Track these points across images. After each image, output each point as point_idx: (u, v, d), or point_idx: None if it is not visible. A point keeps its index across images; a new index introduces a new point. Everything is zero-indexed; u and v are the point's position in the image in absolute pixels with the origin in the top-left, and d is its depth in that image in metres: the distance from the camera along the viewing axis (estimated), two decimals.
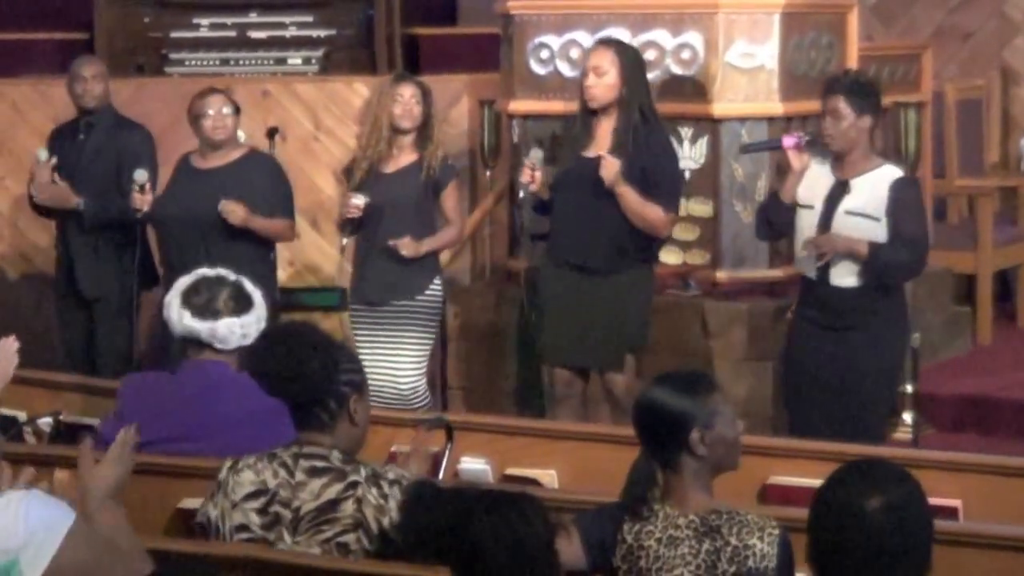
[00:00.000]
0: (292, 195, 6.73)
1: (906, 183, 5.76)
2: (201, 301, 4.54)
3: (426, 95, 6.39)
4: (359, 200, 6.27)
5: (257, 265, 6.42)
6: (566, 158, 6.20)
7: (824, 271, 5.69)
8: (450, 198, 6.42)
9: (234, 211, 6.38)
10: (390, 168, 6.39)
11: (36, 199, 6.95)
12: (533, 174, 6.10)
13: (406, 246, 6.30)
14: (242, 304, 4.57)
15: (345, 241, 6.43)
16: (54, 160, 6.85)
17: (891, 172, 5.74)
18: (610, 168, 5.99)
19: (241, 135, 6.70)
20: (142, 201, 6.54)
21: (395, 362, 6.37)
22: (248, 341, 4.55)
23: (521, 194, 6.15)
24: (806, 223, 5.75)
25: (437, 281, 6.45)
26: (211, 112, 6.49)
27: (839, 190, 5.70)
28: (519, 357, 7.07)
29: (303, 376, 3.78)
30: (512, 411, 6.93)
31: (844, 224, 5.65)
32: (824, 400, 5.73)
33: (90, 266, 6.94)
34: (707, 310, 6.82)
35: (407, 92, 6.34)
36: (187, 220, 6.47)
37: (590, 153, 6.13)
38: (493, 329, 7.22)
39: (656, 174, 6.12)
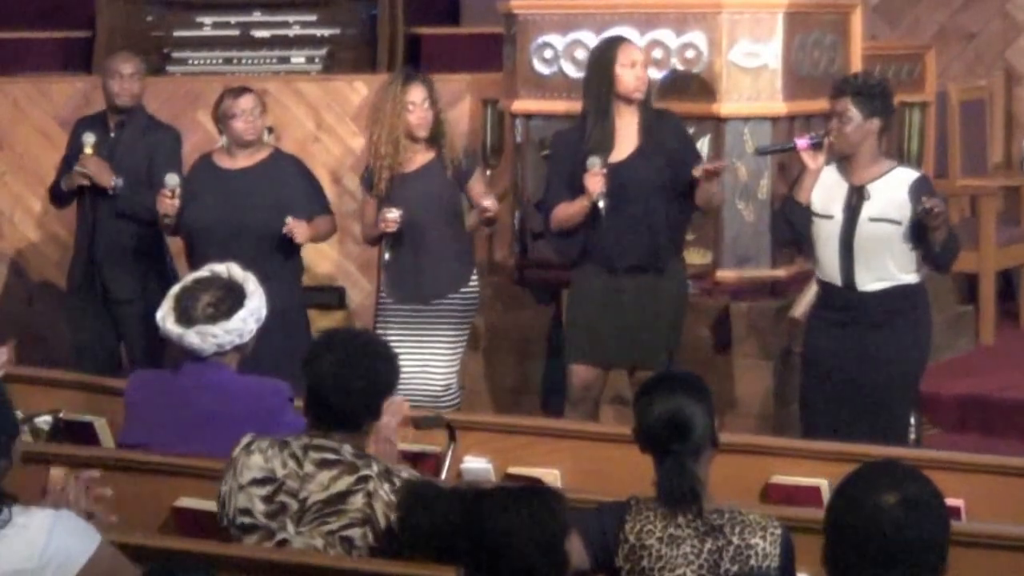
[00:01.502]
0: (323, 190, 6.72)
1: (923, 183, 5.74)
2: (181, 306, 4.52)
3: (432, 92, 6.35)
4: (394, 214, 6.23)
5: (288, 265, 6.42)
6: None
7: (851, 277, 5.69)
8: (477, 185, 6.40)
9: (300, 229, 6.34)
10: (409, 167, 6.36)
11: (79, 172, 6.75)
12: (603, 181, 6.02)
13: (491, 205, 6.23)
14: (223, 310, 4.49)
15: (388, 255, 6.32)
16: (90, 151, 6.76)
17: (907, 174, 5.74)
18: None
19: (267, 134, 6.67)
20: (170, 206, 6.41)
21: (430, 359, 6.35)
22: (229, 347, 4.50)
23: (600, 204, 6.01)
24: (826, 233, 5.73)
25: (475, 277, 6.45)
26: (243, 112, 6.43)
27: (856, 197, 5.69)
28: (535, 357, 7.07)
29: (356, 391, 3.83)
30: (520, 409, 6.93)
31: (869, 231, 5.65)
32: (847, 400, 5.73)
33: (119, 268, 6.88)
34: (709, 309, 6.81)
35: (418, 97, 6.29)
36: (223, 224, 6.38)
37: (618, 154, 6.11)
38: (497, 329, 7.21)
39: (686, 150, 6.23)
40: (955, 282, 7.72)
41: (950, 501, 4.33)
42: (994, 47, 9.07)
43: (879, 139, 5.77)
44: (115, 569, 3.18)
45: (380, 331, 6.35)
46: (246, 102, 6.45)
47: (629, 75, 6.10)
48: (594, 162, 6.04)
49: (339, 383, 3.83)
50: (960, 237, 5.89)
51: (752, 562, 3.59)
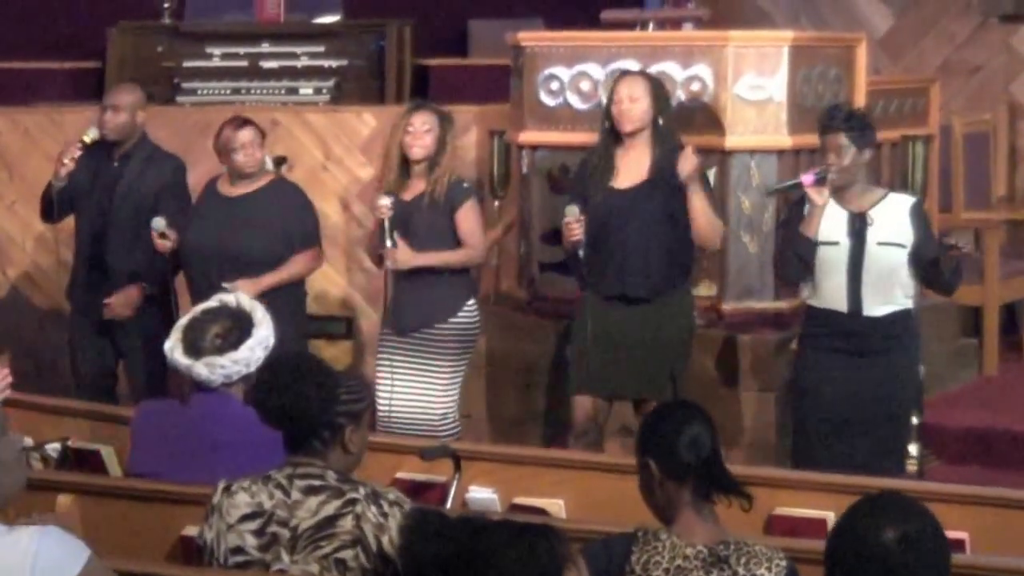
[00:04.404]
0: (318, 222, 6.73)
1: (920, 206, 5.99)
2: (189, 337, 4.54)
3: (442, 122, 6.36)
4: (385, 200, 6.25)
5: (287, 294, 6.44)
6: (595, 191, 6.17)
7: (858, 302, 5.79)
8: (465, 220, 6.34)
9: (242, 287, 6.22)
10: (407, 195, 6.39)
11: (66, 161, 6.69)
12: (579, 229, 6.05)
13: (395, 256, 6.25)
14: (232, 340, 4.52)
15: (389, 242, 6.27)
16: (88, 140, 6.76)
17: (904, 199, 5.96)
18: (690, 162, 6.01)
19: (269, 162, 6.71)
20: (162, 247, 6.52)
21: (427, 388, 6.36)
22: (237, 376, 4.52)
23: (580, 253, 6.06)
24: (832, 259, 5.81)
25: (471, 303, 6.40)
26: (242, 146, 6.48)
27: (860, 223, 5.81)
28: (539, 388, 7.09)
29: (300, 410, 3.82)
30: (523, 439, 6.94)
31: (878, 255, 5.78)
32: (845, 430, 5.78)
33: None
34: (712, 341, 6.83)
35: (418, 121, 6.33)
36: (216, 249, 6.44)
37: (620, 184, 6.14)
38: (501, 359, 7.23)
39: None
40: (959, 314, 7.75)
41: (954, 534, 4.37)
42: (998, 81, 9.11)
43: (869, 167, 5.93)
44: None
45: (380, 361, 6.39)
46: (245, 135, 6.51)
47: (616, 110, 6.14)
48: (571, 211, 6.06)
49: (288, 405, 3.84)
50: (963, 266, 6.00)
51: None
